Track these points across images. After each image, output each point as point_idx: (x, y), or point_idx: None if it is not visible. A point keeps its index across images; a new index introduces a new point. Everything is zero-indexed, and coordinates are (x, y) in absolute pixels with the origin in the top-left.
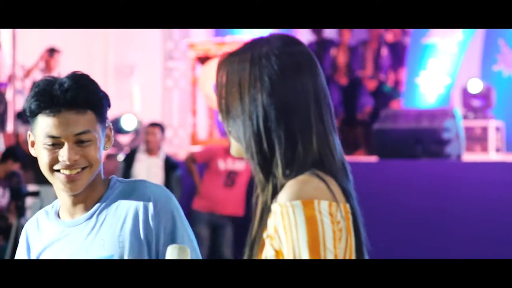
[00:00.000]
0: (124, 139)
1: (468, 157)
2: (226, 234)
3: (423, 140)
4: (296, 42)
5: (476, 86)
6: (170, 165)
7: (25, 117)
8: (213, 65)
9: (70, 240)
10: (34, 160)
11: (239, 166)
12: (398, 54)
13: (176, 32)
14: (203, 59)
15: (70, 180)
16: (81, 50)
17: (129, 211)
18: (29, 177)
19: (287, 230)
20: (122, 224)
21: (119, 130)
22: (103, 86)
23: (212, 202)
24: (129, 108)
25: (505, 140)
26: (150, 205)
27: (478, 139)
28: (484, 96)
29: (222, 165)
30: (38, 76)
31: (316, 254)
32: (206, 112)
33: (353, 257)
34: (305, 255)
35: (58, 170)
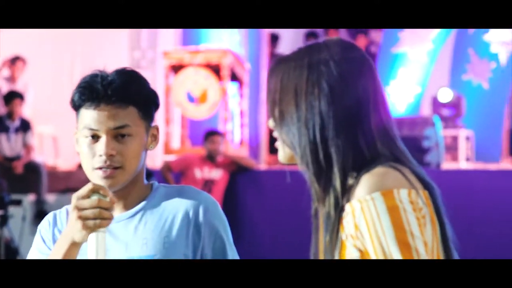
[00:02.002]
0: None
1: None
2: None
3: None
4: (355, 47)
5: (446, 95)
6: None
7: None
8: (186, 73)
9: (107, 236)
10: (7, 168)
11: (215, 174)
12: None
13: (144, 41)
14: (176, 68)
15: (107, 176)
16: (48, 58)
17: (177, 213)
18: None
19: (370, 225)
20: (169, 225)
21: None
22: (69, 97)
23: None
24: None
25: (475, 150)
26: (201, 210)
27: (448, 148)
28: (454, 105)
29: (199, 174)
30: (1, 84)
31: (405, 243)
32: (179, 121)
33: (440, 242)
34: (393, 246)
35: (97, 168)
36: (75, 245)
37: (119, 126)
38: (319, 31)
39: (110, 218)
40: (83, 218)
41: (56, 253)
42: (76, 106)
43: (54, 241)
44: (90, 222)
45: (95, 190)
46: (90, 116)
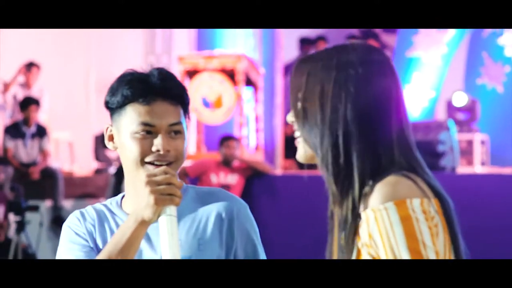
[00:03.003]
0: (113, 154)
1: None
2: None
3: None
4: (380, 51)
5: (460, 99)
6: None
7: (108, 108)
8: (201, 78)
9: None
10: (23, 174)
11: (231, 180)
12: None
13: (158, 45)
14: (191, 73)
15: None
16: (63, 66)
17: (210, 216)
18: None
19: (383, 234)
20: (203, 227)
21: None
22: (85, 102)
23: None
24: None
25: (490, 153)
26: (234, 213)
27: (463, 153)
28: (469, 109)
29: (215, 179)
30: (17, 91)
31: (417, 253)
32: (194, 126)
33: (452, 251)
34: (405, 255)
35: (149, 163)
36: (143, 225)
37: (175, 122)
38: (329, 35)
39: (180, 197)
40: (156, 193)
41: (121, 236)
42: (125, 102)
43: (90, 234)
44: (163, 196)
45: (167, 172)
46: (144, 111)
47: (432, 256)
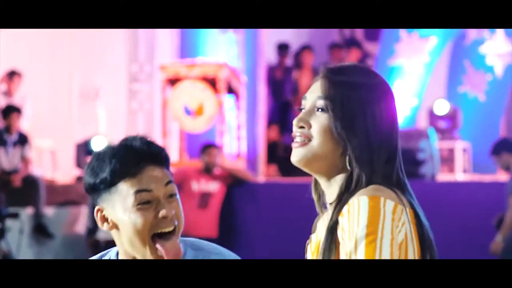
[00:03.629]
0: None
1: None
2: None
3: None
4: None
5: (442, 107)
6: None
7: (93, 190)
8: (183, 86)
9: None
10: (4, 181)
11: (212, 187)
12: None
13: (141, 54)
14: (173, 81)
15: (166, 239)
16: (46, 72)
17: None
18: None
19: (350, 218)
20: None
21: (89, 152)
22: (67, 110)
23: (185, 224)
24: (94, 130)
25: (472, 161)
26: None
27: (445, 160)
28: (451, 117)
29: (196, 186)
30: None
31: (374, 240)
32: (176, 134)
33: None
34: (362, 230)
35: (157, 234)
36: None
37: (169, 180)
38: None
39: None
40: None
41: None
42: (116, 177)
43: None
44: None
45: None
46: (137, 180)
47: (386, 243)
